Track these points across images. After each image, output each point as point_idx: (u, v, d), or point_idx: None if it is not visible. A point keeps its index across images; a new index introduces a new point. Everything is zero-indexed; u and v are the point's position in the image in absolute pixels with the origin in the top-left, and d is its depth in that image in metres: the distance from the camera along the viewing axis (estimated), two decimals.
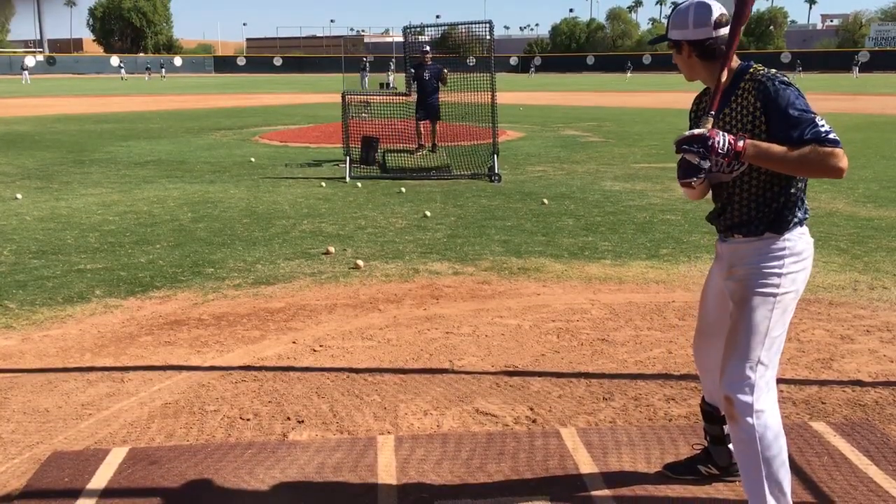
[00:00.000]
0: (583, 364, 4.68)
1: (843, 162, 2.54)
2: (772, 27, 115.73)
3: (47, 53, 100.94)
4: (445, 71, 14.39)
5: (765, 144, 2.57)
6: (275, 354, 4.89)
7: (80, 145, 17.46)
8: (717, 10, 2.74)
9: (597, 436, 3.72)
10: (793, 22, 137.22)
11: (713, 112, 2.68)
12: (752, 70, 2.76)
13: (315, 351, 4.94)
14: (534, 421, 3.93)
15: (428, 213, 9.31)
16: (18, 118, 25.64)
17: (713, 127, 2.64)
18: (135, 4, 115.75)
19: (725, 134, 2.56)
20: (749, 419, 2.71)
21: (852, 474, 3.34)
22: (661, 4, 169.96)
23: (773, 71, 2.73)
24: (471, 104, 13.40)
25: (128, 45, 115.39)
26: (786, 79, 2.68)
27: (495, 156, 12.44)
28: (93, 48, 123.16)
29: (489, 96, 12.52)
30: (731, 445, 3.15)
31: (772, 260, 2.74)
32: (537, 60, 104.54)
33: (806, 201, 2.81)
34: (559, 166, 13.82)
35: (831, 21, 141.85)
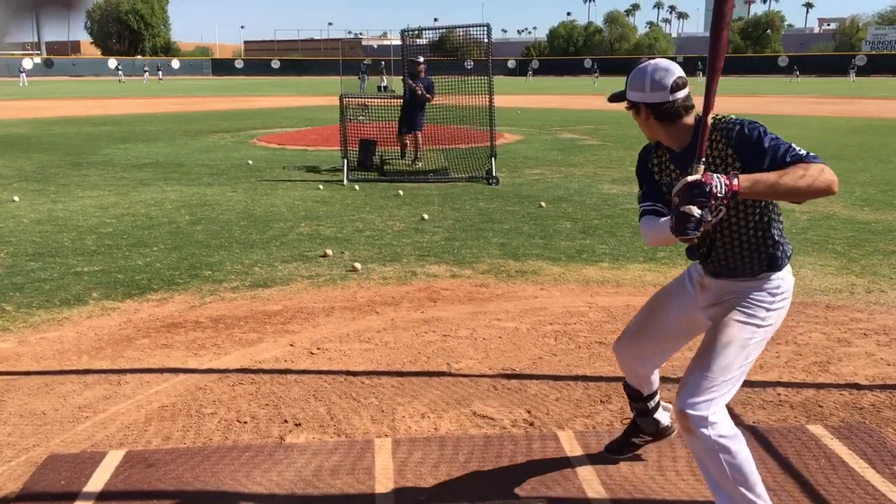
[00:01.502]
0: (580, 367, 4.68)
1: (834, 176, 2.53)
2: (769, 31, 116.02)
3: (45, 56, 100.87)
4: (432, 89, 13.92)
5: (756, 175, 2.52)
6: (272, 357, 4.88)
7: (77, 148, 17.45)
8: (674, 74, 2.72)
9: (594, 438, 3.72)
10: (790, 26, 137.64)
11: (703, 158, 2.62)
12: (715, 120, 2.74)
13: (312, 354, 4.94)
14: (531, 424, 3.92)
15: (425, 216, 9.31)
16: (16, 120, 25.62)
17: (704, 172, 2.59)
18: (132, 7, 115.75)
19: (719, 175, 2.51)
20: (705, 430, 2.72)
21: (849, 477, 3.34)
22: (658, 8, 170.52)
23: (733, 116, 2.75)
24: (468, 107, 13.39)
25: (125, 48, 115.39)
26: (748, 119, 2.71)
27: (493, 159, 12.45)
28: (90, 51, 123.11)
29: (487, 99, 12.53)
30: (656, 415, 3.43)
31: (764, 293, 2.82)
32: (535, 63, 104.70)
33: (786, 240, 2.86)
34: (557, 169, 13.83)
35: (828, 25, 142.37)
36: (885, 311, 5.71)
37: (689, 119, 2.77)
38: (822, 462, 3.47)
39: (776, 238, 2.80)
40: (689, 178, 2.52)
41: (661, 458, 3.51)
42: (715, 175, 2.51)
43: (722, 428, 2.73)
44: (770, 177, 2.52)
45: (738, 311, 2.81)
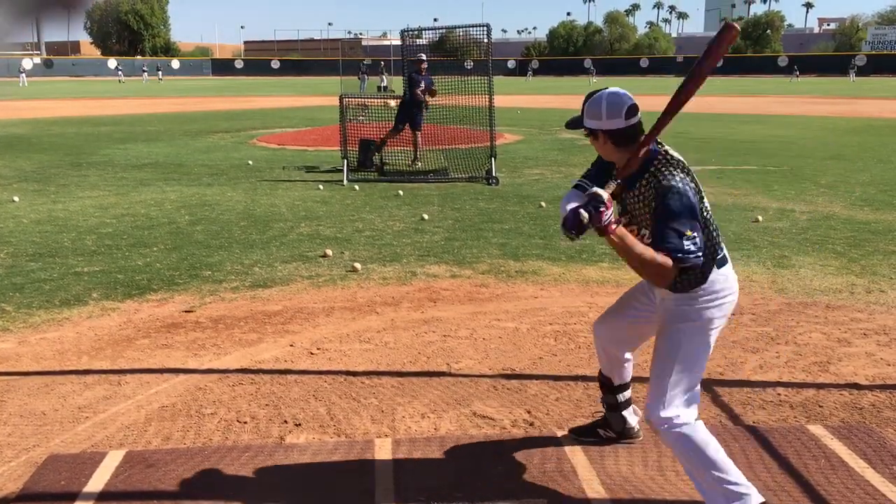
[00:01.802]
0: (580, 367, 4.68)
1: (666, 274, 2.76)
2: (769, 31, 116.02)
3: (45, 56, 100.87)
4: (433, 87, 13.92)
5: (630, 241, 2.77)
6: (272, 357, 4.88)
7: (77, 148, 17.45)
8: (629, 101, 2.93)
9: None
10: (790, 26, 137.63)
11: (619, 181, 2.88)
12: (658, 159, 2.91)
13: (312, 354, 4.94)
14: (531, 424, 3.93)
15: (425, 216, 9.31)
16: (15, 121, 25.62)
17: (612, 195, 2.83)
18: (132, 7, 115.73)
19: (612, 212, 2.77)
20: (664, 429, 2.94)
21: (849, 477, 3.34)
22: (658, 8, 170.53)
23: (673, 171, 2.87)
24: (468, 107, 13.39)
25: (125, 48, 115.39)
26: (682, 180, 2.83)
27: (493, 159, 12.45)
28: (90, 51, 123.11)
29: (487, 99, 12.52)
30: (624, 413, 3.60)
31: (689, 300, 2.95)
32: (535, 64, 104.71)
33: (716, 250, 2.94)
34: (557, 169, 13.83)
35: (828, 25, 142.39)
36: (885, 311, 5.71)
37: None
38: (821, 462, 3.47)
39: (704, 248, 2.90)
40: (601, 192, 2.78)
41: (661, 458, 3.51)
42: (613, 208, 2.81)
43: (677, 421, 2.92)
44: (635, 249, 2.76)
45: (670, 319, 2.99)
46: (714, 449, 2.91)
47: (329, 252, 7.53)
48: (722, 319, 3.01)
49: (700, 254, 2.78)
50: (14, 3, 0.97)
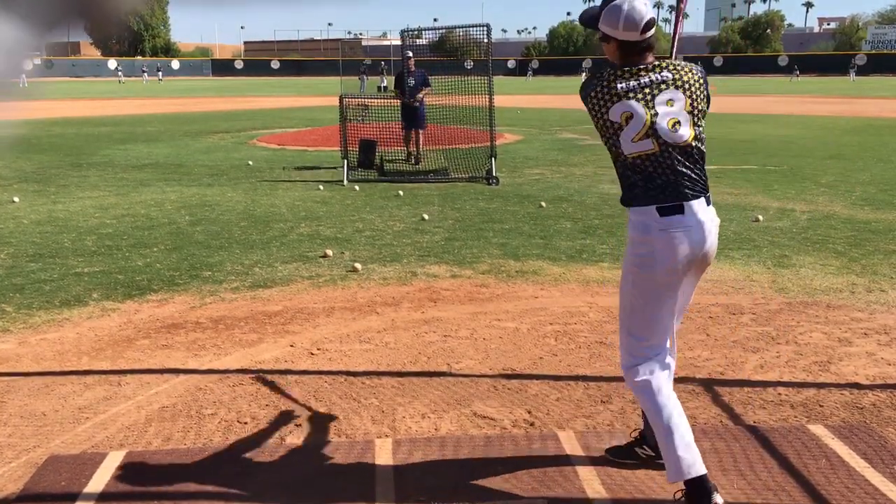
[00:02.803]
0: (581, 367, 4.68)
1: None
2: (769, 30, 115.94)
3: (45, 57, 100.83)
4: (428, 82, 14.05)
5: None
6: (272, 358, 4.88)
7: (77, 149, 17.45)
8: (648, 15, 2.93)
9: (595, 438, 3.72)
10: (790, 25, 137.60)
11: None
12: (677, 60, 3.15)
13: (313, 354, 4.94)
14: (532, 424, 3.92)
15: (426, 216, 9.31)
16: (16, 121, 25.61)
17: None
18: (132, 8, 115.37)
19: None
20: (628, 383, 3.15)
21: (849, 477, 3.34)
22: (658, 8, 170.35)
23: (600, 74, 3.06)
24: (468, 107, 13.39)
25: (125, 49, 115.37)
26: (594, 75, 3.06)
27: (493, 159, 12.45)
28: (90, 51, 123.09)
29: (487, 99, 12.52)
30: None
31: (629, 232, 3.09)
32: (535, 63, 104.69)
33: (643, 186, 3.01)
34: (557, 169, 13.83)
35: (828, 24, 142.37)
36: (885, 311, 5.71)
37: (650, 58, 3.01)
38: (822, 462, 3.47)
39: (620, 175, 3.10)
40: None
41: (660, 458, 3.50)
42: None
43: (635, 379, 3.10)
44: None
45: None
46: (666, 416, 3.00)
47: (329, 252, 7.53)
48: (654, 269, 3.00)
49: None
50: (35, 16, 0.98)
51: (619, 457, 3.50)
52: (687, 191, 2.96)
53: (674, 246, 2.94)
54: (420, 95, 13.79)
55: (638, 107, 2.92)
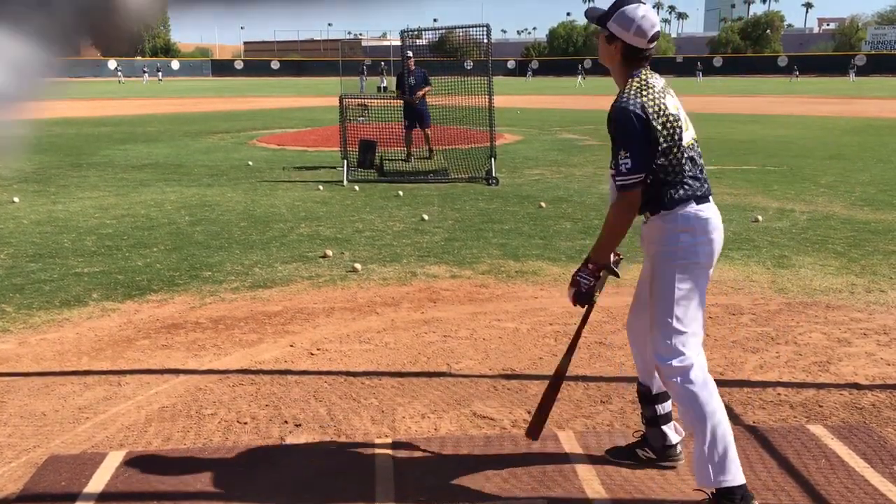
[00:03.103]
0: (580, 367, 4.68)
1: (629, 203, 2.97)
2: (769, 31, 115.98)
3: None
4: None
5: (597, 241, 3.08)
6: (272, 358, 4.88)
7: (77, 149, 17.45)
8: (657, 27, 2.97)
9: (594, 439, 3.73)
10: (790, 26, 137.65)
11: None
12: (628, 85, 3.02)
13: (312, 354, 4.94)
14: None
15: (425, 217, 9.31)
16: (15, 122, 25.54)
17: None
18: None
19: (579, 274, 3.09)
20: (676, 380, 2.99)
21: (849, 478, 3.34)
22: (657, 8, 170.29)
23: (628, 92, 2.97)
24: (468, 107, 13.40)
25: (125, 49, 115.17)
26: (627, 104, 2.92)
27: (493, 159, 12.45)
28: (89, 51, 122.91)
29: (486, 99, 12.53)
30: (664, 427, 3.43)
31: (668, 234, 3.01)
32: (534, 64, 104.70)
33: (690, 183, 3.00)
34: (556, 169, 13.83)
35: (828, 25, 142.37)
36: (884, 311, 5.71)
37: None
38: (821, 462, 3.47)
39: (656, 184, 2.98)
40: (569, 297, 3.26)
41: None
42: (577, 277, 3.12)
43: (689, 375, 2.97)
44: (603, 232, 3.09)
45: (657, 260, 3.07)
46: (719, 419, 2.95)
47: (329, 252, 7.53)
48: (708, 258, 3.03)
49: (631, 177, 2.89)
50: (46, 34, 0.98)
51: (619, 457, 3.50)
52: (708, 185, 3.10)
53: (715, 237, 3.04)
54: (420, 94, 13.89)
55: (674, 100, 3.05)
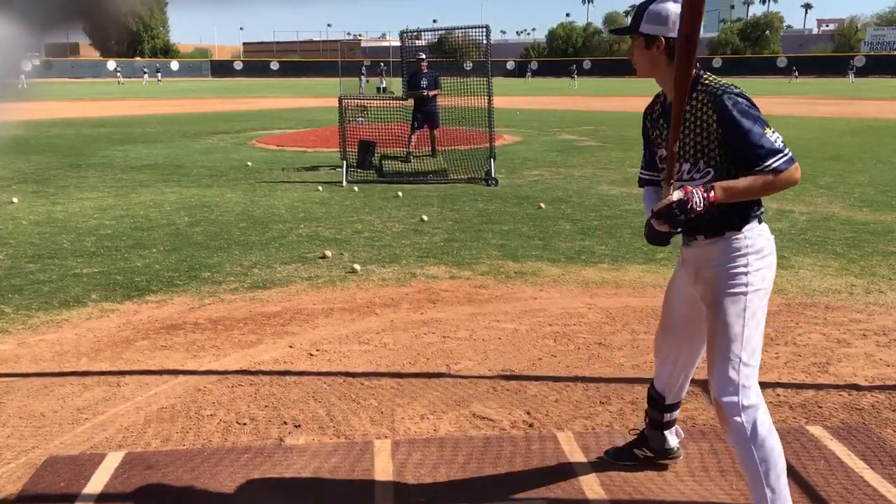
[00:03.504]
0: (580, 368, 4.68)
1: (797, 174, 2.71)
2: (768, 32, 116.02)
3: (44, 57, 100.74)
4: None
5: (731, 184, 2.66)
6: (271, 359, 4.88)
7: (76, 149, 17.45)
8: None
9: (594, 440, 3.72)
10: (789, 27, 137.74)
11: (672, 181, 2.73)
12: (703, 79, 2.78)
13: (312, 355, 4.94)
14: (531, 425, 3.92)
15: (425, 218, 9.31)
16: (14, 122, 25.55)
17: (676, 181, 2.73)
18: (131, 9, 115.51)
19: (697, 190, 2.62)
20: (737, 418, 2.75)
21: (848, 479, 3.34)
22: None
23: (723, 81, 2.78)
24: (467, 108, 13.42)
25: (124, 50, 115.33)
26: (736, 88, 2.73)
27: (492, 160, 12.45)
28: (89, 52, 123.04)
29: (486, 100, 12.53)
30: (666, 432, 3.39)
31: (737, 259, 2.78)
32: (534, 65, 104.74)
33: (761, 201, 2.86)
34: (556, 170, 13.83)
35: (827, 26, 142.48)
36: (884, 312, 5.71)
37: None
38: (820, 463, 3.47)
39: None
40: (673, 198, 2.62)
41: None
42: (695, 191, 2.61)
43: (755, 416, 2.75)
44: (744, 186, 2.66)
45: (720, 288, 2.79)
46: (782, 467, 2.81)
47: (328, 253, 7.53)
48: (770, 283, 2.84)
49: (788, 151, 2.66)
50: (32, 16, 0.98)
51: (617, 458, 3.49)
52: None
53: (775, 259, 2.91)
54: (432, 93, 14.23)
55: None
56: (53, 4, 0.98)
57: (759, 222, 2.83)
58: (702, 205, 2.59)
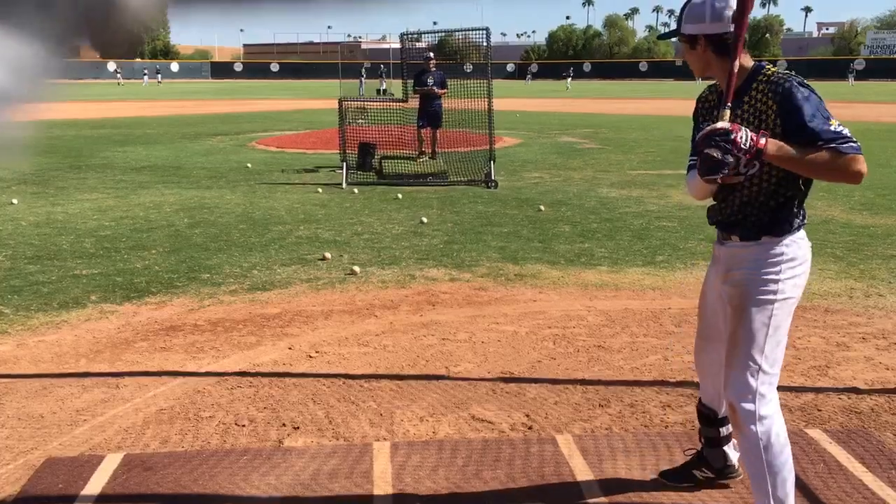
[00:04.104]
0: (579, 371, 4.68)
1: (863, 166, 2.55)
2: (768, 35, 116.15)
3: None
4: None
5: (785, 146, 2.54)
6: (270, 360, 4.88)
7: (76, 150, 17.45)
8: (733, 2, 2.70)
9: (593, 443, 3.72)
10: (789, 30, 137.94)
11: (729, 104, 2.63)
12: (765, 70, 2.73)
13: (311, 357, 4.94)
14: (530, 428, 3.92)
15: (425, 220, 9.31)
16: (14, 122, 25.55)
17: (731, 121, 2.60)
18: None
19: (747, 129, 2.52)
20: (753, 427, 2.72)
21: (847, 482, 3.34)
22: (657, 12, 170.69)
23: (788, 72, 2.72)
24: (468, 110, 13.43)
25: (124, 50, 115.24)
26: (801, 78, 2.67)
27: (492, 162, 12.46)
28: (89, 53, 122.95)
29: (486, 103, 12.54)
30: (726, 448, 3.22)
31: (769, 265, 2.71)
32: (534, 67, 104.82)
33: (804, 207, 2.79)
34: (556, 173, 13.84)
35: (827, 29, 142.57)
36: (883, 315, 5.71)
37: (746, 59, 2.75)
38: (819, 466, 3.47)
39: (792, 198, 2.72)
40: (719, 125, 2.54)
41: (659, 464, 3.50)
42: (743, 127, 2.52)
43: (771, 426, 2.72)
44: (798, 153, 2.54)
45: (749, 292, 2.73)
46: (791, 477, 2.76)
47: (328, 255, 7.53)
48: (801, 292, 2.79)
49: (854, 140, 2.55)
50: (45, 35, 0.98)
51: (675, 480, 3.32)
52: None
53: (809, 267, 2.83)
54: (440, 92, 14.35)
55: None
56: (68, 24, 0.98)
57: (799, 230, 2.76)
58: (747, 143, 2.48)
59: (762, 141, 2.50)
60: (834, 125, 2.56)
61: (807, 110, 2.58)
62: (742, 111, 2.70)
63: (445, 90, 14.45)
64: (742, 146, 2.48)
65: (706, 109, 2.96)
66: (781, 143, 2.54)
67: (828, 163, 2.54)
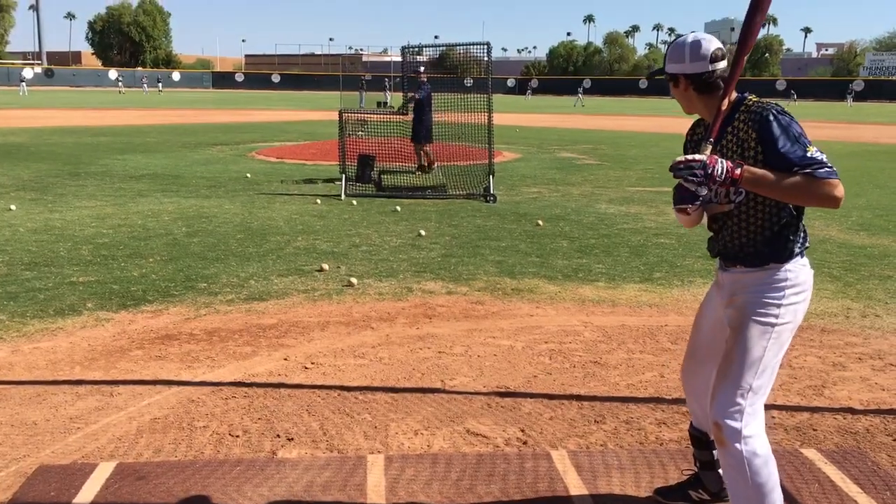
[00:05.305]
0: (575, 386, 4.67)
1: (839, 191, 2.56)
2: (767, 55, 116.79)
3: (45, 66, 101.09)
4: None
5: (761, 171, 2.58)
6: (266, 371, 4.87)
7: (75, 158, 17.46)
8: (714, 44, 2.79)
9: (587, 458, 3.71)
10: (788, 50, 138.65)
11: (712, 139, 2.68)
12: (747, 101, 2.79)
13: (307, 368, 4.92)
14: (525, 442, 3.91)
15: (423, 233, 9.32)
16: (15, 129, 25.64)
17: (712, 154, 2.64)
18: (134, 19, 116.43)
19: (724, 161, 2.56)
20: (738, 445, 2.72)
21: (841, 502, 3.33)
22: (657, 30, 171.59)
23: (768, 101, 2.76)
24: (467, 124, 13.47)
25: (126, 59, 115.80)
26: (780, 107, 2.71)
27: (491, 176, 12.49)
28: (91, 61, 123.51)
29: (486, 117, 12.58)
30: (721, 471, 3.17)
31: (772, 290, 2.74)
32: (534, 83, 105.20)
33: (806, 231, 2.81)
34: (554, 188, 13.86)
35: (826, 50, 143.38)
36: (880, 336, 5.71)
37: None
38: (814, 487, 3.46)
39: (791, 224, 2.74)
40: (695, 156, 2.58)
41: (653, 481, 3.49)
42: (720, 160, 2.56)
43: (756, 446, 2.72)
44: (773, 179, 2.57)
45: (749, 314, 2.75)
46: (777, 496, 2.76)
47: (325, 266, 7.53)
48: (801, 317, 2.81)
49: (831, 166, 2.54)
50: None
51: (669, 498, 3.31)
52: None
53: (811, 293, 2.85)
54: (410, 105, 14.25)
55: None
56: None
57: (802, 256, 2.79)
58: (722, 175, 2.53)
59: (737, 171, 2.55)
60: (811, 151, 2.59)
61: (785, 138, 2.61)
62: (726, 141, 2.76)
63: (417, 105, 14.34)
64: (717, 178, 2.54)
65: (694, 143, 3.01)
66: (759, 171, 2.58)
67: (804, 188, 2.56)
